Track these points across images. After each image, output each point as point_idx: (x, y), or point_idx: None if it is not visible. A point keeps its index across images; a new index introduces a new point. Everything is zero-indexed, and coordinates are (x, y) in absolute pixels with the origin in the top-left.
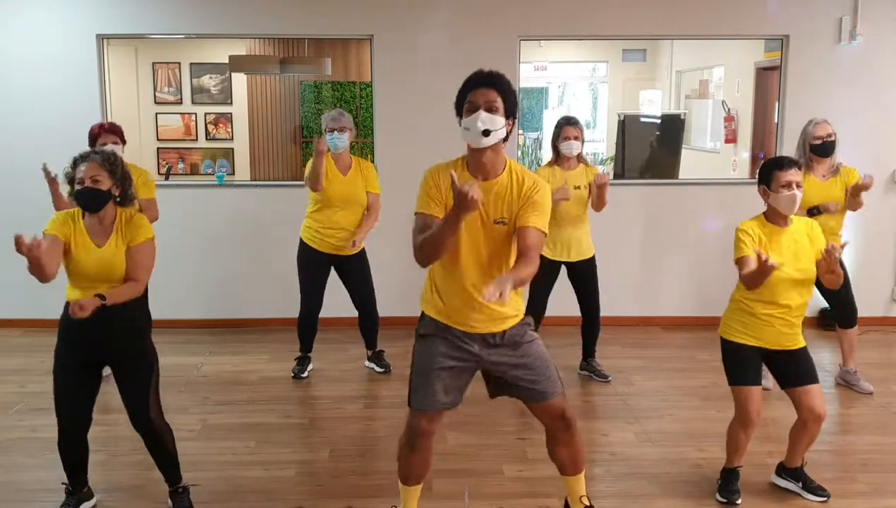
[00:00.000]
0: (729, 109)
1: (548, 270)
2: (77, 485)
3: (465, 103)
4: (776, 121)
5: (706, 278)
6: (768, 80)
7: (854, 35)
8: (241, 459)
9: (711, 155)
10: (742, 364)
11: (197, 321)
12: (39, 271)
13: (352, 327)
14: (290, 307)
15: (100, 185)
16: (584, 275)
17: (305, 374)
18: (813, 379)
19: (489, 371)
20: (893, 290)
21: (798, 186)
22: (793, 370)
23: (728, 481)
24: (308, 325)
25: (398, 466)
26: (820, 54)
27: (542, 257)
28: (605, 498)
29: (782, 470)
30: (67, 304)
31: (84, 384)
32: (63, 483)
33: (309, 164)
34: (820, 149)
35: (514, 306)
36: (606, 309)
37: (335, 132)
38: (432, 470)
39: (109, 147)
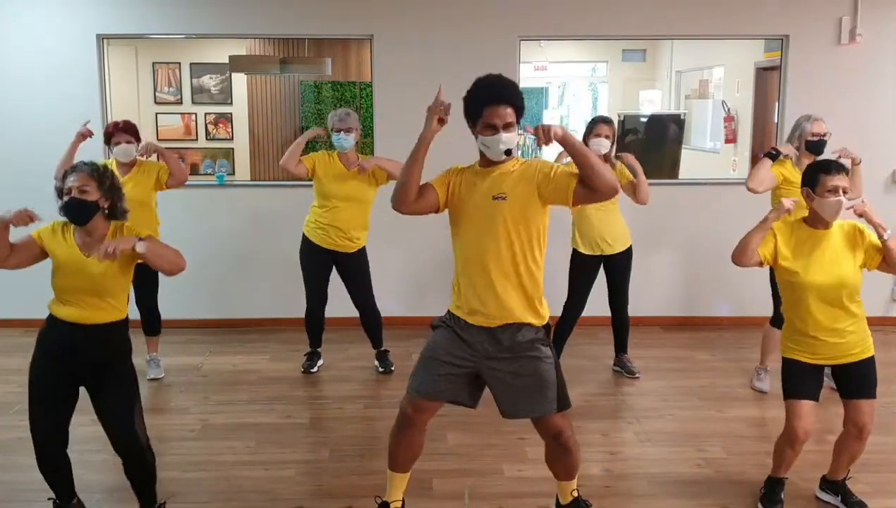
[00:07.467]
0: (729, 109)
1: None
2: (65, 497)
3: (479, 117)
4: (776, 121)
5: (707, 278)
6: (768, 80)
7: (854, 35)
8: (241, 459)
9: (711, 155)
10: (797, 378)
11: (197, 321)
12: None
13: (352, 327)
14: (290, 307)
15: (87, 196)
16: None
17: (315, 369)
18: (865, 393)
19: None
20: (893, 290)
21: (844, 192)
22: (848, 381)
23: (772, 490)
24: (313, 321)
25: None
26: (820, 54)
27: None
28: (605, 498)
29: (824, 483)
30: (51, 317)
31: (61, 399)
32: (49, 499)
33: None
34: (815, 145)
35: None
36: (606, 309)
37: (341, 133)
38: (432, 470)
39: (123, 146)
